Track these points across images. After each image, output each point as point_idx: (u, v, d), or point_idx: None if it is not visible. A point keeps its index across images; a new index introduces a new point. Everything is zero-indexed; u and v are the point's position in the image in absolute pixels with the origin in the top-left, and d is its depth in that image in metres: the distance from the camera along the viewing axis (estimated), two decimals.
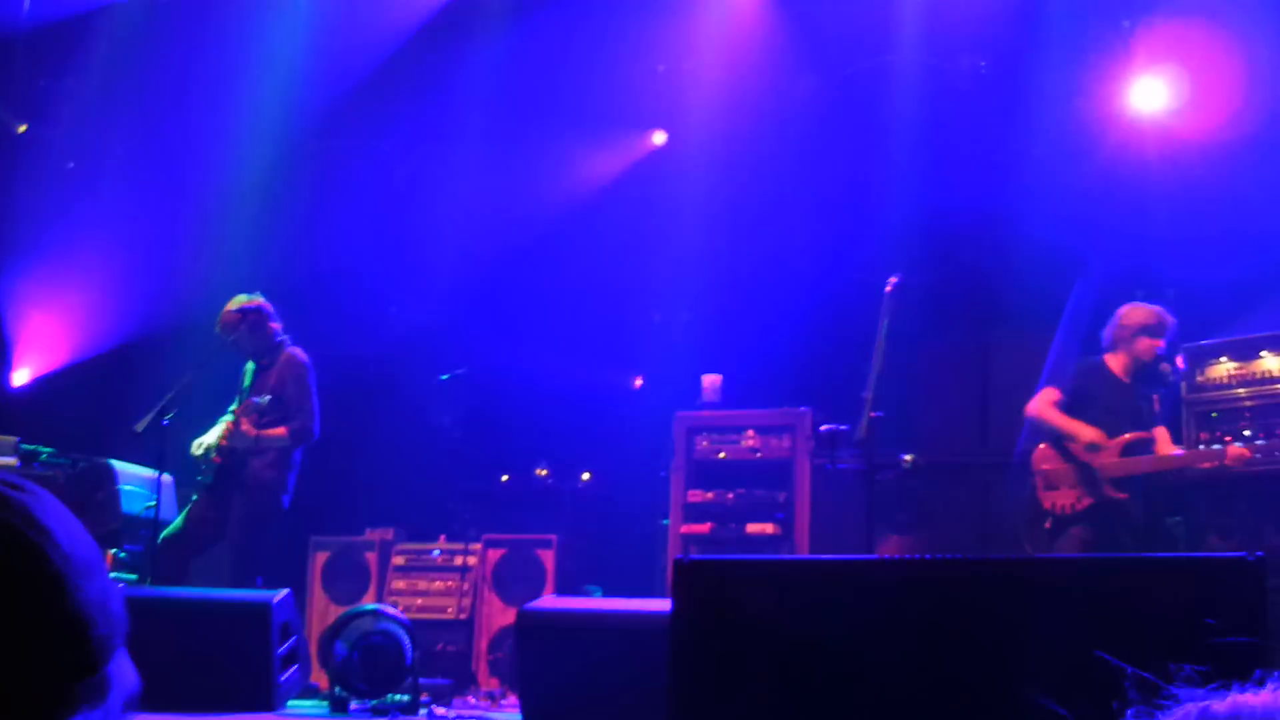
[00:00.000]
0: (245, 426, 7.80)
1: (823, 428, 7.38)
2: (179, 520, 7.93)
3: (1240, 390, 7.32)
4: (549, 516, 9.36)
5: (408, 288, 10.87)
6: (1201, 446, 7.19)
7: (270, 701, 6.35)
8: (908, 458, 7.33)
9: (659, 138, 11.16)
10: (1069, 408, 7.19)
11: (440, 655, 8.70)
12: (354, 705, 6.69)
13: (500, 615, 8.83)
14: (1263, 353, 7.31)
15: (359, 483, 9.92)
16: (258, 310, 8.06)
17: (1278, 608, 3.68)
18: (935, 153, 9.47)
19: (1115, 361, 7.26)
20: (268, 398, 7.84)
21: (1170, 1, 8.84)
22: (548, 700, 5.71)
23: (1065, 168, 8.97)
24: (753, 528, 8.32)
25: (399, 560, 9.28)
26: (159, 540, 7.75)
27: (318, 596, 9.33)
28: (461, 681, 8.44)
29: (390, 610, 7.10)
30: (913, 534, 8.16)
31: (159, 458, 7.76)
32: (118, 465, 8.59)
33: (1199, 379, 7.47)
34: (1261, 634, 3.14)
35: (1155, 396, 7.28)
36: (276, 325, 8.14)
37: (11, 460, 8.12)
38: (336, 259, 10.76)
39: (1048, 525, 7.07)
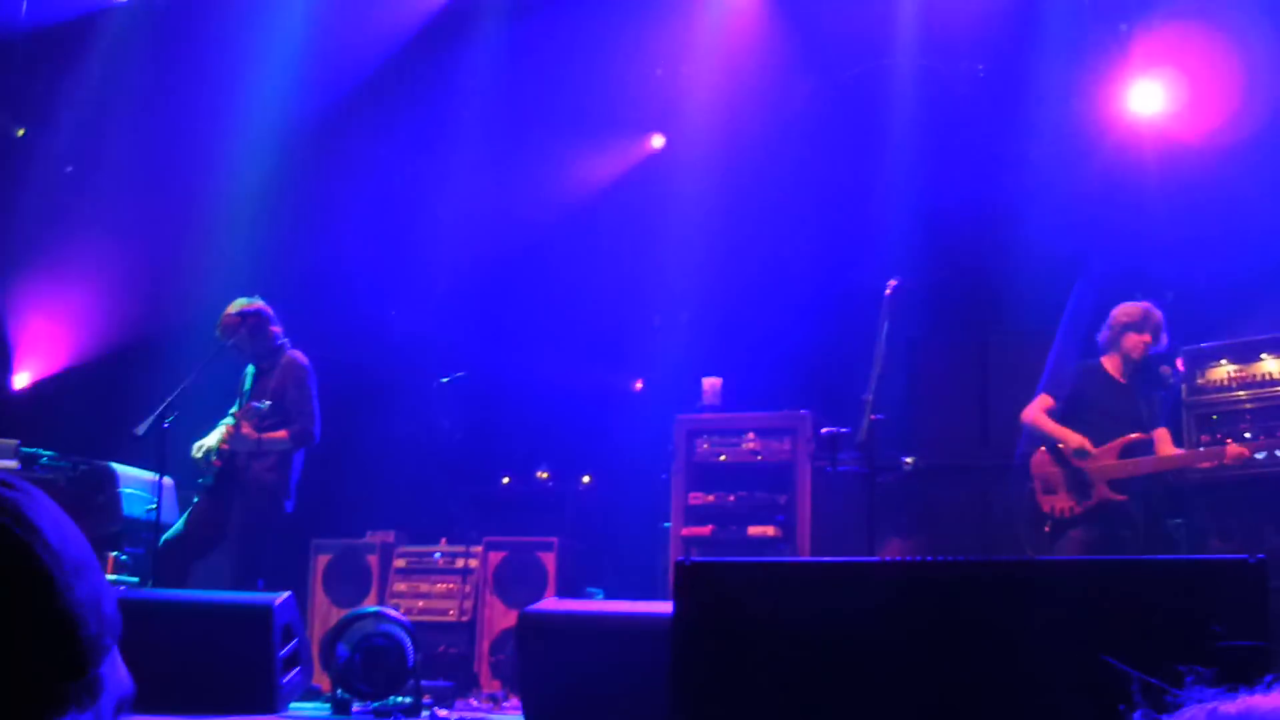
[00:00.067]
0: (246, 430, 7.80)
1: (823, 430, 7.37)
2: (180, 523, 7.93)
3: (1240, 393, 7.34)
4: (550, 519, 9.36)
5: (408, 291, 10.88)
6: (1202, 449, 7.20)
7: (272, 704, 6.36)
8: (908, 460, 7.34)
9: (658, 141, 11.17)
10: (1067, 412, 7.22)
11: (442, 657, 8.71)
12: (356, 707, 6.69)
13: (502, 617, 8.84)
14: (1263, 355, 7.32)
15: (360, 485, 9.93)
16: (258, 313, 8.06)
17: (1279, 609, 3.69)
18: (934, 156, 9.48)
19: (1110, 363, 7.28)
20: (268, 402, 7.84)
21: (1167, 5, 8.86)
22: (549, 702, 5.71)
23: (1064, 171, 8.98)
24: (754, 530, 8.33)
25: (400, 563, 9.29)
26: (160, 543, 7.76)
27: (319, 599, 9.34)
28: (463, 684, 8.44)
29: (392, 613, 7.10)
30: (914, 536, 8.16)
31: (160, 461, 7.76)
32: (119, 468, 8.60)
33: (1199, 381, 7.48)
34: (1263, 636, 3.14)
35: (1156, 397, 7.29)
36: (277, 328, 8.14)
37: (12, 463, 8.13)
38: (337, 262, 10.76)
39: (1047, 529, 7.08)
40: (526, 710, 5.80)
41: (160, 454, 7.72)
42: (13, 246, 10.55)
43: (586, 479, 9.93)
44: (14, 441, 8.25)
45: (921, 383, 8.90)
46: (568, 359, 10.32)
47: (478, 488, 9.75)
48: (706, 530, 8.45)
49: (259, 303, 8.13)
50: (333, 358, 8.83)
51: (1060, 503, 7.08)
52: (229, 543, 7.84)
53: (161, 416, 7.57)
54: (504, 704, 7.75)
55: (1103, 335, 7.34)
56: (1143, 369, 7.29)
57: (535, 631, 5.82)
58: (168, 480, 8.09)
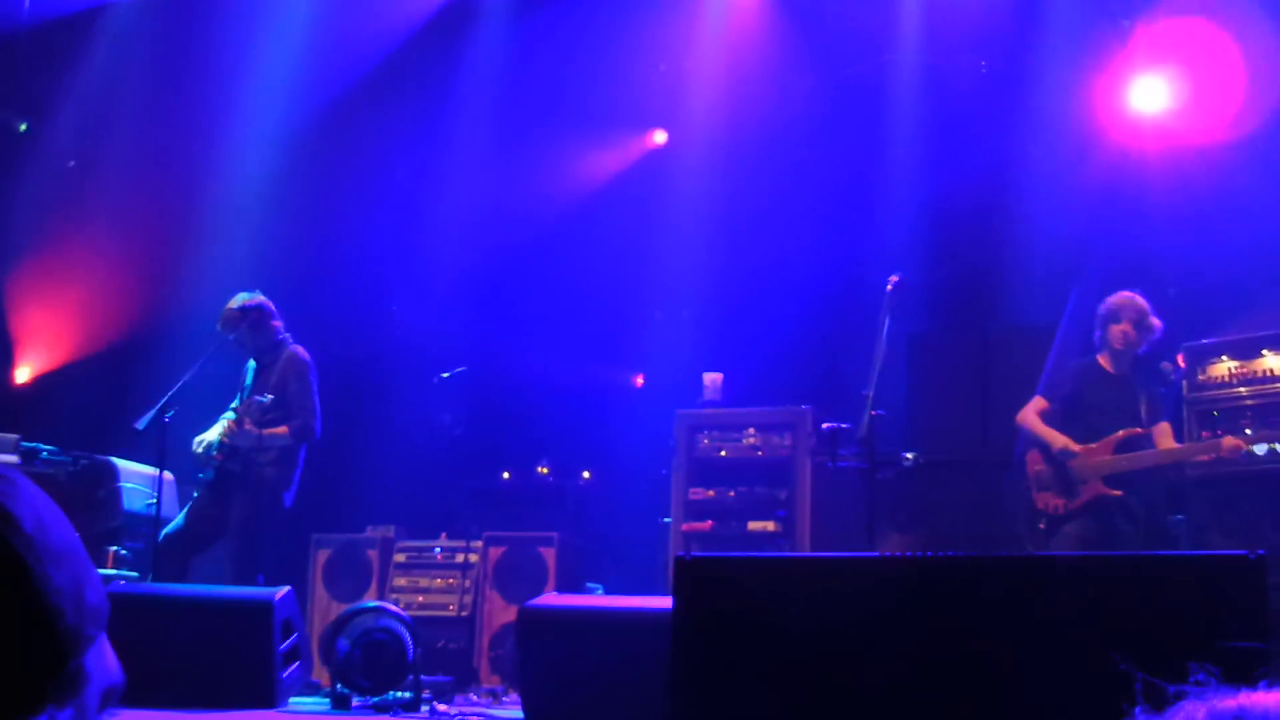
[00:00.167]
0: (247, 425, 7.80)
1: (824, 425, 7.36)
2: (180, 518, 7.92)
3: (1241, 389, 7.33)
4: (550, 514, 9.36)
5: (409, 286, 10.88)
6: (1198, 443, 7.21)
7: (272, 699, 6.36)
8: (909, 456, 7.34)
9: (660, 137, 11.17)
10: (1065, 412, 7.23)
11: (442, 652, 8.71)
12: (356, 702, 6.70)
13: (501, 612, 8.84)
14: (1263, 351, 7.32)
15: (360, 480, 9.93)
16: (259, 308, 8.05)
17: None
18: (936, 152, 9.48)
19: (1103, 359, 7.29)
20: (269, 396, 7.84)
21: (1171, 1, 8.84)
22: (549, 697, 5.71)
23: (1066, 166, 8.97)
24: (754, 525, 8.33)
25: (400, 558, 9.29)
26: (160, 538, 7.75)
27: (319, 594, 9.34)
28: (463, 679, 8.44)
29: (392, 607, 7.10)
30: (914, 532, 8.15)
31: (160, 455, 7.75)
32: (119, 463, 8.60)
33: (1200, 378, 7.48)
34: (1264, 632, 3.14)
35: (1158, 393, 7.27)
36: (278, 323, 8.13)
37: (13, 457, 8.13)
38: (338, 257, 10.77)
39: (1042, 525, 7.10)
40: (526, 705, 5.80)
41: (161, 449, 7.71)
42: (15, 241, 10.55)
43: (587, 474, 9.92)
44: (15, 436, 8.26)
45: (922, 378, 8.90)
46: (568, 354, 10.32)
47: (478, 482, 9.74)
48: (707, 525, 8.45)
49: (260, 297, 8.12)
50: (334, 352, 8.83)
51: (1053, 500, 7.10)
52: (229, 538, 7.83)
53: (162, 411, 7.56)
54: (504, 699, 7.75)
55: (1095, 333, 7.36)
56: (1141, 363, 7.28)
57: (535, 627, 5.81)
58: (168, 475, 8.09)
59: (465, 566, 9.00)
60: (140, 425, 7.57)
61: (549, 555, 8.95)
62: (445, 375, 9.17)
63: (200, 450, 7.88)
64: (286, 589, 6.75)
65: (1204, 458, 7.09)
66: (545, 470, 9.82)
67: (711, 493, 8.52)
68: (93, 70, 10.58)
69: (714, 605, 3.91)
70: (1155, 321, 7.16)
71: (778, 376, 9.35)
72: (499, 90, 10.70)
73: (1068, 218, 8.77)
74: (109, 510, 8.43)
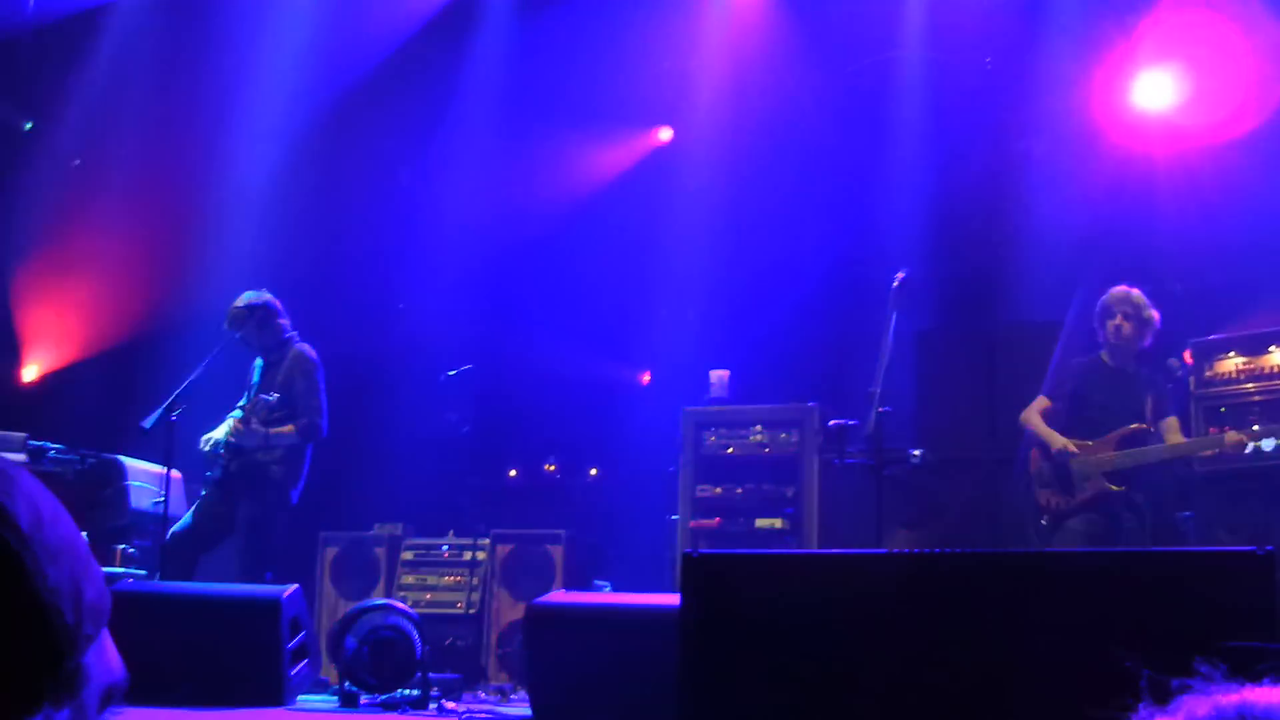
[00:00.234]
0: (254, 424, 7.81)
1: (831, 423, 7.38)
2: (188, 516, 7.93)
3: (1249, 385, 7.32)
4: (557, 512, 9.37)
5: (415, 283, 10.88)
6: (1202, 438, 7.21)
7: (280, 696, 6.37)
8: (916, 453, 7.33)
9: (665, 134, 11.17)
10: (1069, 410, 7.23)
11: (449, 650, 8.72)
12: (364, 700, 6.70)
13: (509, 610, 8.85)
14: (1271, 347, 7.31)
15: (368, 478, 9.94)
16: (266, 306, 8.05)
17: None
18: (942, 148, 9.47)
19: (1106, 356, 7.28)
20: (276, 395, 7.85)
21: None
22: (557, 694, 5.71)
23: (1072, 162, 8.96)
24: (761, 522, 8.34)
25: (408, 555, 9.30)
26: (168, 536, 7.77)
27: (327, 591, 9.35)
28: (471, 676, 8.45)
29: (399, 605, 7.10)
30: (921, 529, 8.16)
31: (167, 454, 7.76)
32: (126, 461, 8.61)
33: (1207, 374, 7.46)
34: (1272, 628, 3.13)
35: (1166, 389, 7.25)
36: (285, 321, 8.13)
37: (20, 456, 8.13)
38: (344, 255, 10.77)
39: (1044, 521, 7.10)
40: (534, 702, 5.81)
41: (168, 447, 7.72)
42: (21, 239, 10.56)
43: (594, 471, 9.93)
44: (22, 434, 8.27)
45: (929, 375, 8.89)
46: (575, 351, 10.32)
47: (485, 480, 9.76)
48: (714, 522, 8.46)
49: (267, 295, 8.13)
50: (340, 350, 8.83)
51: (1053, 498, 7.10)
52: (237, 536, 7.84)
53: (169, 410, 7.56)
54: (512, 696, 7.75)
55: (1095, 330, 7.36)
56: (1147, 358, 7.26)
57: (543, 624, 5.82)
58: (176, 473, 8.10)
59: (473, 564, 9.01)
60: (147, 424, 7.57)
61: (556, 552, 8.95)
62: (452, 373, 9.18)
63: (207, 449, 7.89)
64: (294, 587, 6.75)
65: (1207, 453, 7.09)
66: (552, 468, 9.83)
67: (719, 490, 8.52)
68: (97, 69, 10.59)
69: (721, 602, 3.91)
70: (1152, 314, 7.12)
71: (784, 373, 9.35)
72: (504, 88, 10.70)
73: (1074, 213, 8.76)
74: (116, 509, 8.45)
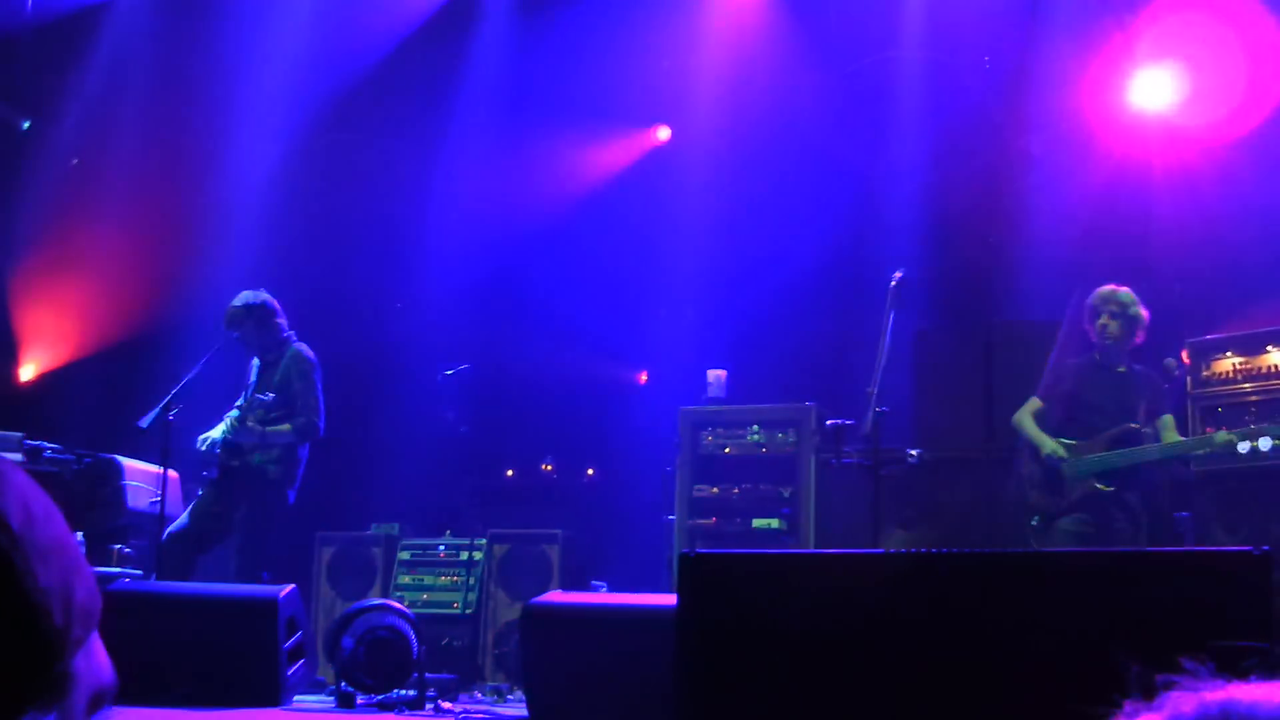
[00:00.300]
0: (251, 423, 7.80)
1: (828, 422, 7.36)
2: (184, 516, 7.92)
3: (1246, 385, 7.31)
4: (554, 511, 9.37)
5: (413, 283, 10.88)
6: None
7: (276, 696, 6.37)
8: (913, 453, 7.32)
9: (663, 133, 11.16)
10: (1063, 411, 7.22)
11: (446, 650, 8.72)
12: (360, 700, 6.69)
13: (506, 610, 8.85)
14: (1268, 347, 7.30)
15: (364, 478, 9.93)
16: (263, 306, 8.05)
17: None
18: (940, 148, 9.47)
19: (1099, 355, 7.28)
20: (272, 395, 7.85)
21: None
22: (553, 694, 5.71)
23: (1070, 162, 8.96)
24: (758, 522, 8.34)
25: (404, 555, 9.29)
26: (164, 536, 7.76)
27: (324, 592, 9.35)
28: (467, 676, 8.45)
29: (396, 605, 7.10)
30: (918, 529, 8.15)
31: (164, 453, 7.76)
32: (123, 461, 8.60)
33: (1204, 374, 7.46)
34: (1267, 628, 3.13)
35: (1163, 388, 7.25)
36: (282, 321, 8.13)
37: (17, 455, 8.13)
38: (342, 254, 10.77)
39: (1035, 522, 7.10)
40: (531, 703, 5.81)
41: (165, 447, 7.71)
42: (19, 238, 10.56)
43: (591, 471, 9.93)
44: (19, 434, 8.26)
45: (926, 375, 8.88)
46: (572, 351, 10.32)
47: (482, 480, 9.75)
48: (711, 522, 8.46)
49: (264, 295, 8.12)
50: (337, 350, 8.83)
51: (1045, 498, 7.09)
52: (233, 536, 7.84)
53: (166, 409, 7.57)
54: (508, 697, 7.75)
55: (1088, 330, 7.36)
56: (1142, 357, 7.25)
57: (540, 624, 5.81)
58: (172, 473, 8.10)
59: (469, 564, 9.00)
60: (144, 423, 7.57)
61: (553, 552, 8.95)
62: (449, 373, 9.17)
63: (204, 448, 7.88)
64: (291, 587, 6.75)
65: (1198, 452, 7.08)
66: (549, 467, 9.83)
67: (716, 489, 8.52)
68: (96, 68, 10.59)
69: (718, 602, 3.91)
70: (1140, 311, 7.09)
71: (782, 373, 9.35)
72: (503, 86, 10.70)
73: (1072, 213, 8.76)
74: (113, 508, 8.44)
